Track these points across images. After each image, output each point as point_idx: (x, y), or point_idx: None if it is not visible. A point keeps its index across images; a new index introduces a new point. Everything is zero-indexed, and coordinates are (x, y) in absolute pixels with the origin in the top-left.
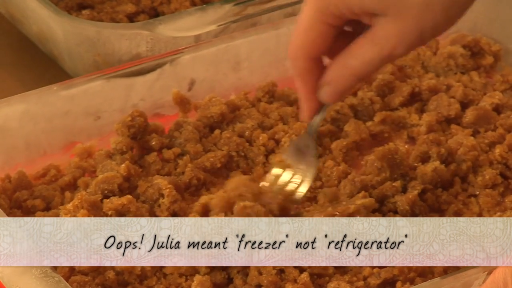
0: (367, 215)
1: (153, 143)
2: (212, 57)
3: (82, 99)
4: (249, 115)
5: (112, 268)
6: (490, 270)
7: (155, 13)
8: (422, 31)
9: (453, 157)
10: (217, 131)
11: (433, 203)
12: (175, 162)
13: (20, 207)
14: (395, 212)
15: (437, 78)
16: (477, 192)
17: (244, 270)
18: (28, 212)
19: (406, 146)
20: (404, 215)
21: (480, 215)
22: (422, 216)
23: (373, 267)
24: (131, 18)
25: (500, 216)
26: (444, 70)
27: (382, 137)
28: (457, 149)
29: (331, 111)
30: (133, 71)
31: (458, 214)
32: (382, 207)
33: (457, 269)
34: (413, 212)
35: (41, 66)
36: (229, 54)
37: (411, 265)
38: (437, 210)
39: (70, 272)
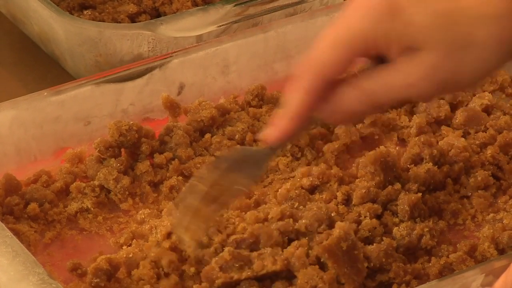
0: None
1: (144, 148)
2: (201, 61)
3: (72, 105)
4: (239, 118)
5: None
6: (488, 272)
7: (156, 14)
8: (456, 73)
9: (445, 158)
10: (207, 135)
11: (433, 204)
12: (167, 167)
13: (12, 213)
14: (394, 214)
15: None
16: (470, 194)
17: None
18: (20, 217)
19: (397, 148)
20: (403, 216)
21: (474, 216)
22: (420, 219)
23: (368, 268)
24: (133, 18)
25: (493, 217)
26: None
27: (373, 140)
28: (448, 150)
29: None
30: (122, 76)
31: (456, 214)
32: (384, 211)
33: (452, 271)
34: (412, 214)
35: (43, 67)
36: (218, 57)
37: None
38: (437, 211)
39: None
